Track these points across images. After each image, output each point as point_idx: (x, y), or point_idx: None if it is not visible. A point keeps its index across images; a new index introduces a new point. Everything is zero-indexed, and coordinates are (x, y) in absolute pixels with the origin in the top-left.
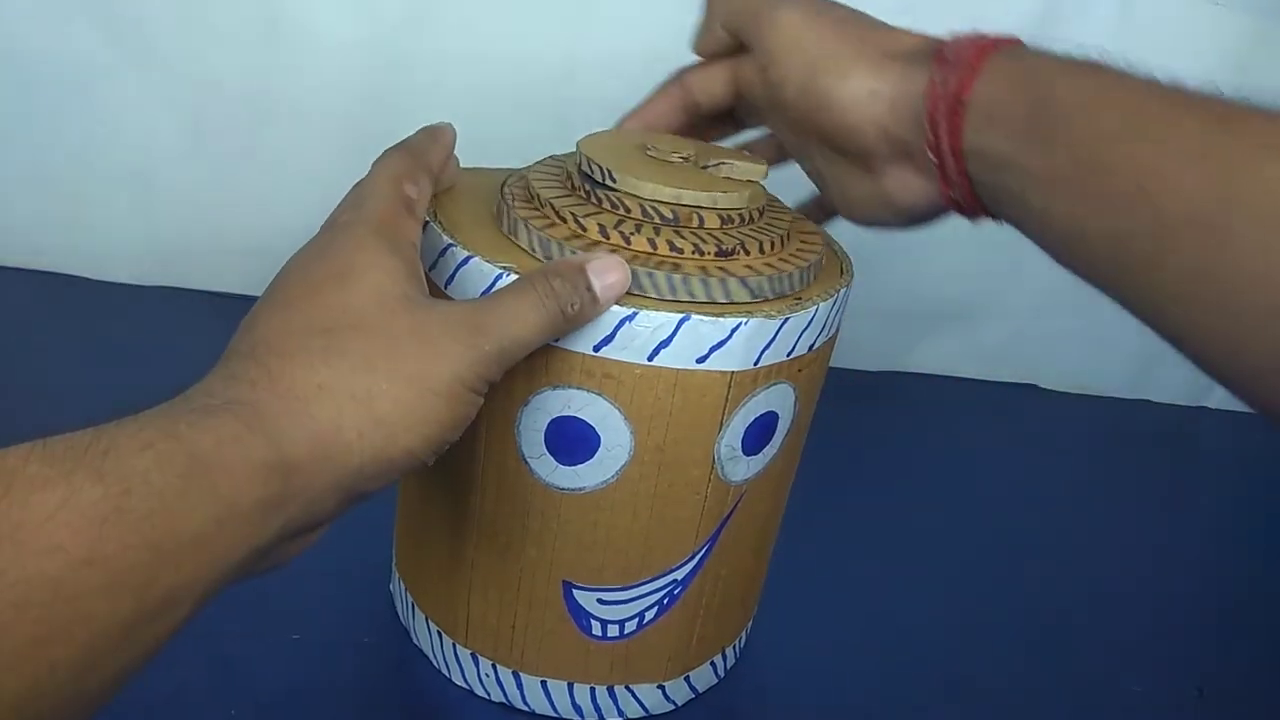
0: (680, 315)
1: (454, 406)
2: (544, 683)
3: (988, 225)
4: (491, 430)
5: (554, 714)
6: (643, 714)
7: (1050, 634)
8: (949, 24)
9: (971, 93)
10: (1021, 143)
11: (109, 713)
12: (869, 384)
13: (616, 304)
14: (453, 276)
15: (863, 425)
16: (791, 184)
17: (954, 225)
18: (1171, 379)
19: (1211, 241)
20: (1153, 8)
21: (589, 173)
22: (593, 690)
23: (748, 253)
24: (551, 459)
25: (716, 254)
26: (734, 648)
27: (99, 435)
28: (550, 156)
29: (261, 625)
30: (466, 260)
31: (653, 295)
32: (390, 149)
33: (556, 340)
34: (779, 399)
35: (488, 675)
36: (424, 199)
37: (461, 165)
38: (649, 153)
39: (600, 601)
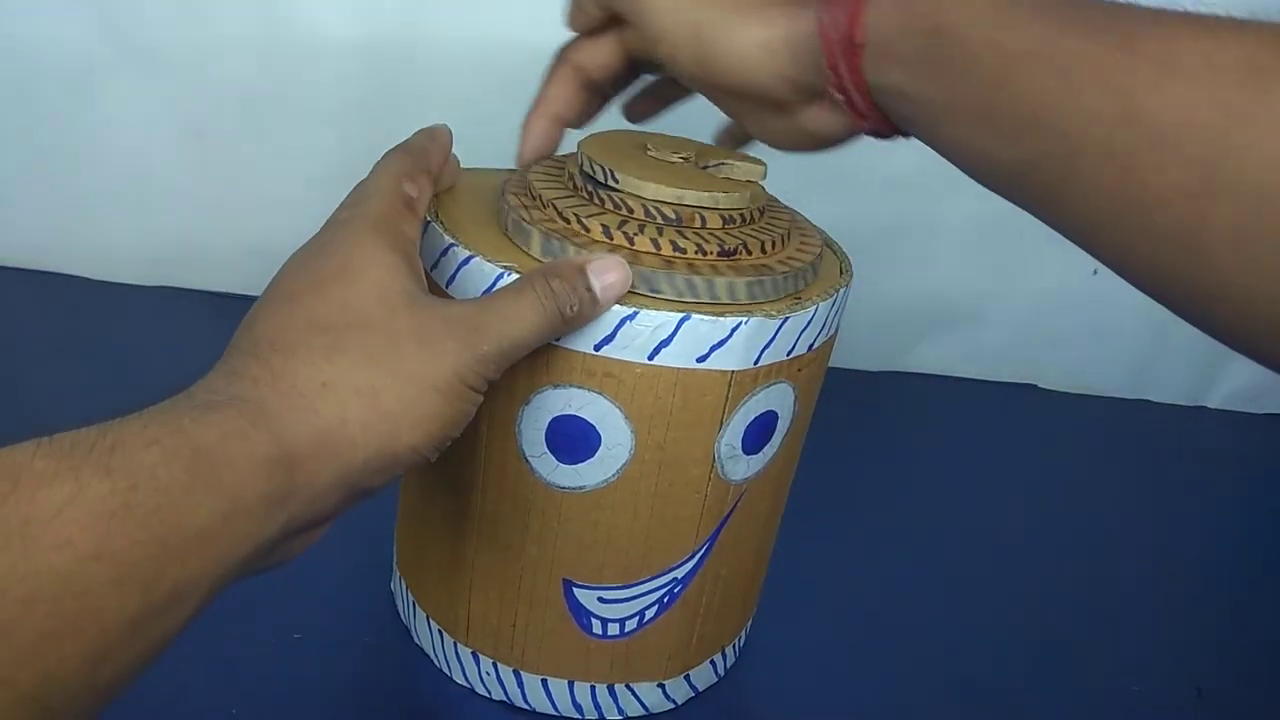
0: (681, 314)
1: (455, 404)
2: (544, 681)
3: (988, 225)
4: (492, 429)
5: (554, 712)
6: (643, 712)
7: (1050, 634)
8: None
9: (862, 30)
10: (922, 76)
11: (109, 712)
12: (869, 384)
13: (617, 303)
14: (454, 276)
15: (863, 425)
16: (791, 182)
17: (954, 225)
18: (1171, 379)
19: (1117, 166)
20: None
21: (590, 173)
22: (593, 689)
23: (749, 252)
24: (552, 458)
25: (719, 254)
26: (734, 647)
27: (105, 432)
28: (550, 157)
29: (262, 625)
30: (468, 260)
31: (656, 295)
32: (390, 150)
33: (557, 340)
34: (779, 398)
35: (488, 674)
36: (424, 198)
37: (462, 165)
38: (649, 153)
39: (601, 600)
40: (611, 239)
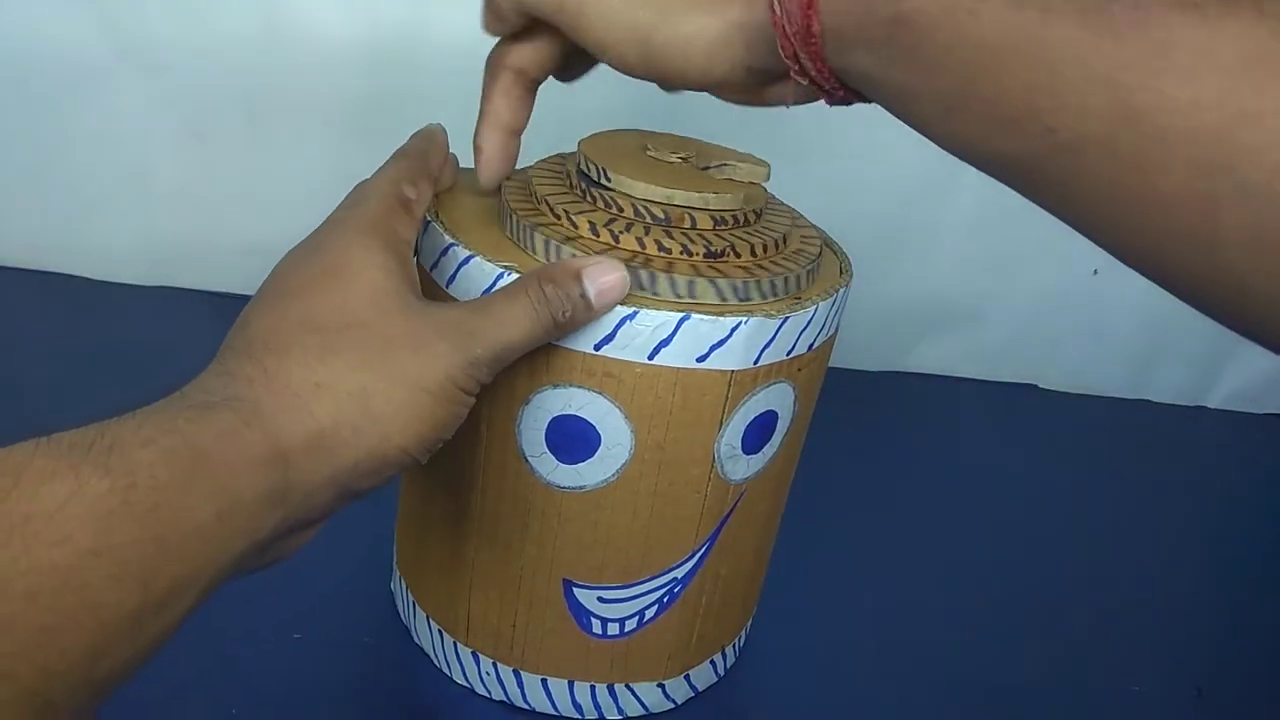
0: (680, 314)
1: (446, 406)
2: (544, 681)
3: (988, 226)
4: (492, 429)
5: (554, 712)
6: (643, 712)
7: (1050, 634)
8: None
9: (818, 20)
10: (891, 65)
11: (110, 712)
12: (869, 384)
13: None
14: (454, 276)
15: (863, 425)
16: (792, 182)
17: (954, 225)
18: (1171, 379)
19: (1119, 165)
20: None
21: (586, 171)
22: (593, 688)
23: (738, 255)
24: (552, 457)
25: (705, 255)
26: (734, 646)
27: (103, 431)
28: (556, 155)
29: (262, 625)
30: (468, 260)
31: (637, 294)
32: (392, 156)
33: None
34: (779, 398)
35: (488, 674)
36: (423, 201)
37: (462, 165)
38: (649, 153)
39: (601, 600)
40: (598, 236)
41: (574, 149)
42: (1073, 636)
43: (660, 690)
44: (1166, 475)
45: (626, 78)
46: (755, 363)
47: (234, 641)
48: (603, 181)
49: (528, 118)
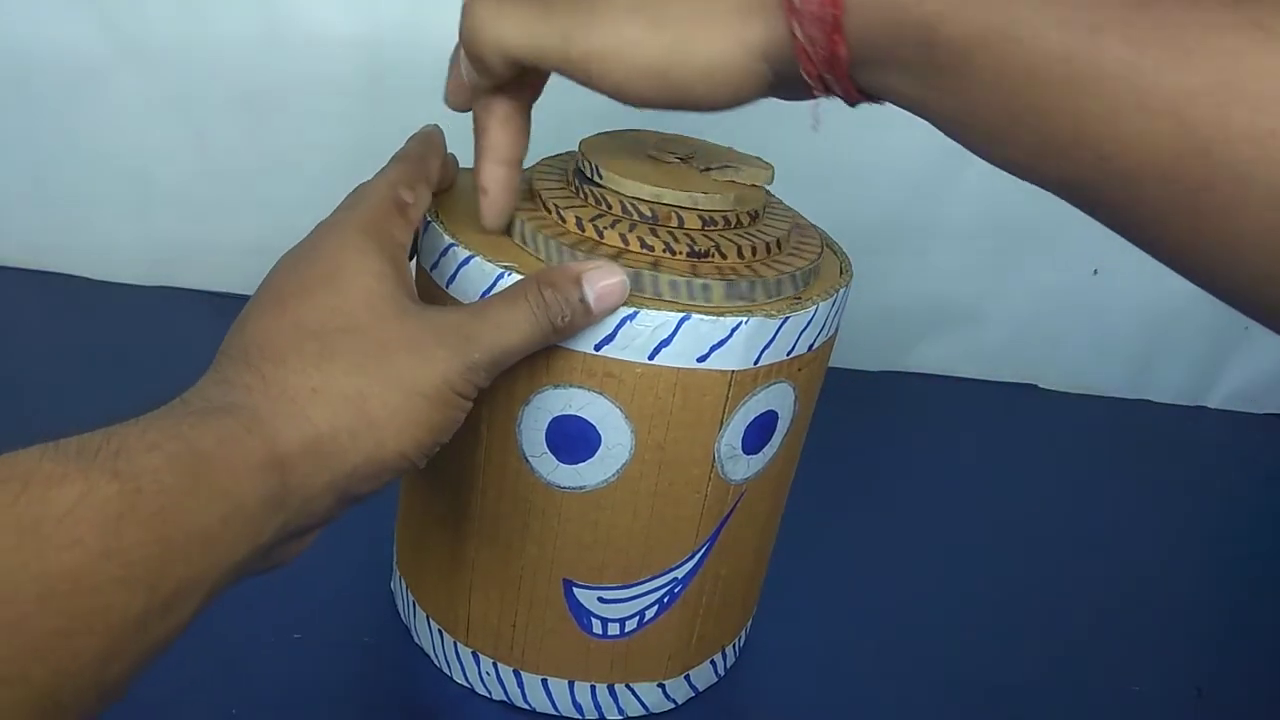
0: (681, 314)
1: (442, 411)
2: (545, 681)
3: (988, 226)
4: (492, 429)
5: (555, 712)
6: (643, 712)
7: (1050, 634)
8: None
9: (845, 45)
10: (926, 89)
11: (110, 712)
12: (869, 384)
13: None
14: (454, 276)
15: (863, 425)
16: (791, 182)
17: (954, 225)
18: (1171, 379)
19: (1187, 198)
20: None
21: (581, 169)
22: (593, 688)
23: (724, 256)
24: (552, 458)
25: (688, 255)
26: (734, 646)
27: (109, 436)
28: (565, 152)
29: (262, 625)
30: (468, 260)
31: (637, 294)
32: (391, 160)
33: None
34: (779, 398)
35: (489, 674)
36: (420, 205)
37: (461, 165)
38: (649, 152)
39: (601, 600)
40: (583, 231)
41: (576, 149)
42: (1073, 636)
43: (660, 690)
44: (1166, 475)
45: None
46: (755, 363)
47: (234, 642)
48: (595, 178)
49: (528, 143)
